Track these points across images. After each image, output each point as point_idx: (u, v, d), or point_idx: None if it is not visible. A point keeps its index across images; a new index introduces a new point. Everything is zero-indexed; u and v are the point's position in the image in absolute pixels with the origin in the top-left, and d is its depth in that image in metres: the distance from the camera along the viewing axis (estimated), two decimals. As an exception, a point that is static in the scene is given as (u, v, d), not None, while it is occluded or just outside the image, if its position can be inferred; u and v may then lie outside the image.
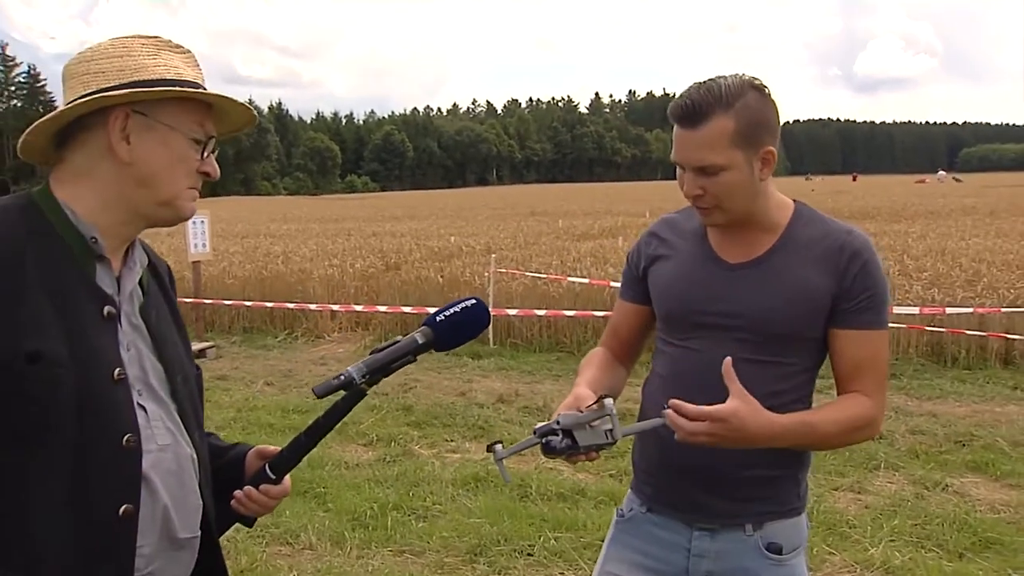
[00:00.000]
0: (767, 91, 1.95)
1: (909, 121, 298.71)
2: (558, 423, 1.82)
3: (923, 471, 5.77)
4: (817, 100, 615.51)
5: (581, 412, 1.84)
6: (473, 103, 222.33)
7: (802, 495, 2.11)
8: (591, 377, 2.11)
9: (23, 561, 1.38)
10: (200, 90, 1.55)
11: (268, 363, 10.01)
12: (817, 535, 4.66)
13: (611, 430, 1.82)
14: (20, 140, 1.58)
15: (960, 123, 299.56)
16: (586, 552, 4.51)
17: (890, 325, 7.31)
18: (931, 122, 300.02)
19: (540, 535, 4.74)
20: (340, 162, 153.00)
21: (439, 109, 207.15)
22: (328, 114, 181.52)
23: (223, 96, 1.57)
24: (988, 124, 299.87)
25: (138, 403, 1.50)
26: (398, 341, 1.71)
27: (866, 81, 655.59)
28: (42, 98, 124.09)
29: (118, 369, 1.47)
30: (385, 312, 10.45)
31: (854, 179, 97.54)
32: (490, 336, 10.30)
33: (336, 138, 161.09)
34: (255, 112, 1.67)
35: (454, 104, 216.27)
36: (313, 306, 11.13)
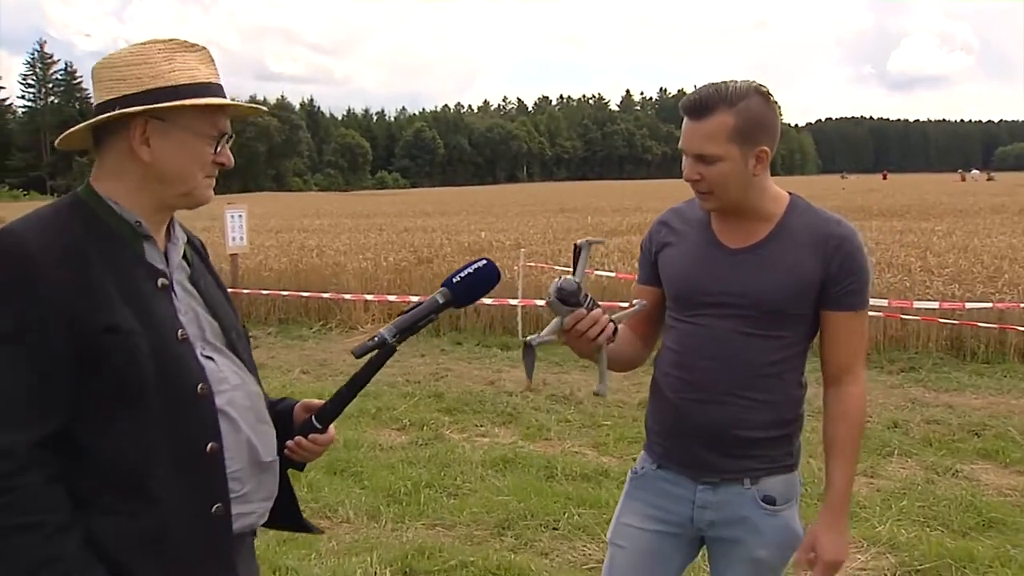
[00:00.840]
0: (771, 97, 2.22)
1: (944, 119, 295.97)
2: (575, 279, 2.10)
3: (935, 458, 5.98)
4: (850, 98, 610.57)
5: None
6: (504, 100, 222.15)
7: (795, 454, 2.38)
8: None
9: (143, 499, 1.68)
10: (207, 99, 1.75)
11: (304, 353, 10.33)
12: (828, 514, 4.90)
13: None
14: (57, 141, 1.86)
15: (996, 121, 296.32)
16: (608, 527, 4.77)
17: (909, 317, 7.48)
18: (966, 120, 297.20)
19: (565, 511, 5.01)
20: (371, 159, 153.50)
21: (470, 106, 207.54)
22: (359, 111, 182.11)
23: (228, 103, 1.80)
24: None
25: (203, 355, 1.78)
26: (421, 303, 1.96)
27: (900, 79, 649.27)
28: (78, 95, 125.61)
29: (180, 330, 1.75)
30: (418, 302, 10.73)
31: (884, 177, 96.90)
32: (519, 327, 10.60)
33: (367, 135, 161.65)
34: (259, 106, 1.92)
35: (485, 101, 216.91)
36: (348, 296, 11.44)
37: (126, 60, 1.75)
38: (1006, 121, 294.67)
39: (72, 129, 1.79)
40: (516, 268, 11.23)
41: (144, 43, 1.77)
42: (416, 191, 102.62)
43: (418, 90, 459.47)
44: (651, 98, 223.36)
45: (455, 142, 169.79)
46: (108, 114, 1.72)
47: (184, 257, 1.88)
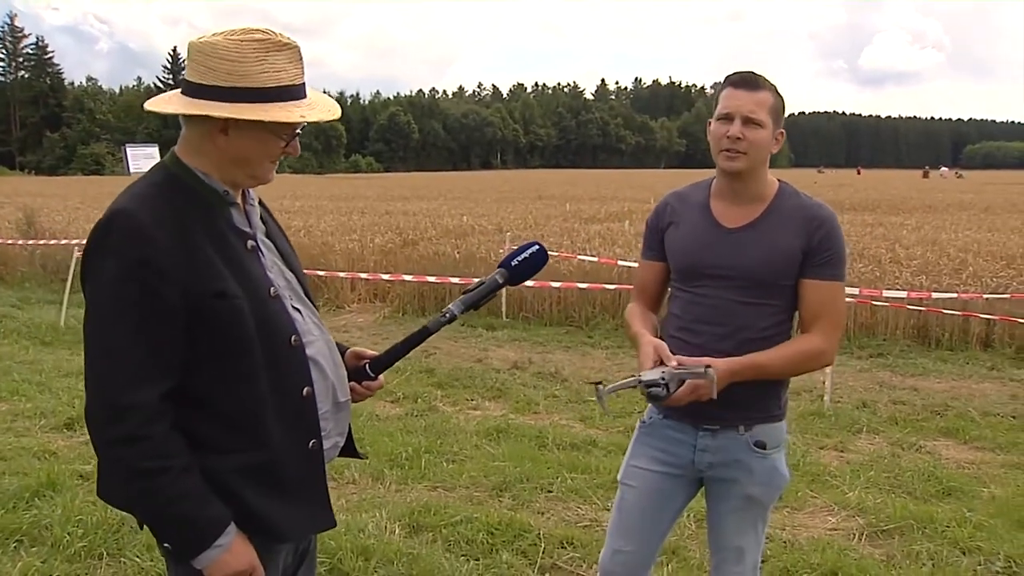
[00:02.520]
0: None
1: (914, 116, 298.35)
2: (663, 378, 2.44)
3: (900, 435, 6.40)
4: (821, 93, 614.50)
5: (682, 368, 2.47)
6: (479, 87, 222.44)
7: (783, 406, 2.75)
8: (642, 325, 2.76)
9: (255, 441, 1.96)
10: (285, 116, 1.89)
11: (293, 329, 10.58)
12: (802, 482, 5.30)
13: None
14: (149, 104, 1.97)
15: (965, 119, 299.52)
16: (599, 491, 5.13)
17: (878, 304, 7.88)
18: (936, 118, 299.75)
19: (558, 476, 5.37)
20: (345, 142, 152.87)
21: (445, 92, 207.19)
22: (334, 93, 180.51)
23: (297, 121, 1.92)
24: (993, 121, 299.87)
25: (293, 307, 2.05)
26: (483, 282, 2.26)
27: (871, 75, 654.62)
28: (49, 70, 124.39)
29: (272, 288, 2.00)
30: (405, 282, 11.04)
31: (858, 172, 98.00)
32: (503, 309, 10.95)
33: (341, 118, 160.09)
34: (339, 112, 2.05)
35: (460, 87, 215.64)
36: (343, 274, 11.72)
37: (220, 53, 1.87)
38: (975, 120, 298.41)
39: (165, 109, 1.93)
40: (501, 251, 11.56)
41: (242, 37, 1.88)
42: (391, 175, 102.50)
43: (393, 74, 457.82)
44: (626, 88, 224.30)
45: (429, 127, 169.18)
46: (197, 109, 1.88)
47: (259, 216, 2.12)
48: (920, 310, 9.35)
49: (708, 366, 2.46)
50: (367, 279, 11.54)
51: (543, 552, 4.36)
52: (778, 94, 2.60)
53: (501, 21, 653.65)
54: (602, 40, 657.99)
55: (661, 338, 2.79)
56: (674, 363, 2.49)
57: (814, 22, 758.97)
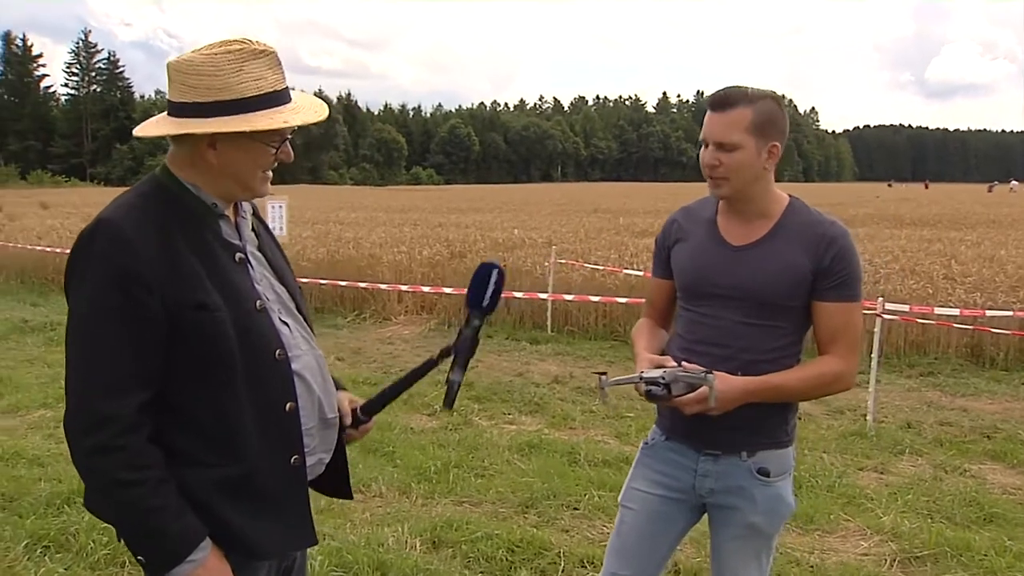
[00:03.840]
0: (783, 103, 2.54)
1: (984, 129, 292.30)
2: (663, 377, 2.40)
3: (945, 457, 6.21)
4: (888, 106, 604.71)
5: (682, 370, 2.43)
6: (540, 99, 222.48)
7: (790, 432, 2.65)
8: (647, 344, 2.71)
9: (233, 455, 1.93)
10: (269, 124, 1.88)
11: (338, 341, 10.64)
12: (836, 504, 5.16)
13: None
14: (137, 131, 2.01)
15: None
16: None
17: (927, 322, 7.68)
18: (1008, 130, 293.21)
19: (586, 493, 5.30)
20: (406, 154, 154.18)
21: (506, 104, 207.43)
22: (396, 106, 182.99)
23: (285, 127, 1.90)
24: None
25: (281, 320, 2.02)
26: (464, 335, 2.18)
27: (939, 87, 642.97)
28: (120, 84, 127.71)
29: (258, 301, 1.97)
30: (450, 295, 11.04)
31: (926, 187, 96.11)
32: (548, 323, 10.90)
33: (403, 130, 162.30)
34: (319, 117, 1.99)
35: (521, 100, 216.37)
36: (384, 286, 11.77)
37: (197, 68, 1.87)
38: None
39: (151, 133, 1.97)
40: (547, 264, 11.52)
41: (216, 50, 1.89)
42: (451, 188, 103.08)
43: (455, 87, 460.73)
44: (687, 100, 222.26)
45: (490, 140, 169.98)
46: (182, 128, 1.88)
47: (252, 229, 2.11)
48: (972, 328, 9.09)
49: (709, 372, 2.40)
50: (411, 291, 11.57)
51: (562, 571, 4.30)
52: (763, 106, 2.45)
53: (562, 35, 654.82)
54: (664, 53, 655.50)
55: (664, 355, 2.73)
56: (671, 363, 2.45)
57: (879, 34, 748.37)
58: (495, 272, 2.19)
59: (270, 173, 2.02)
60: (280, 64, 1.96)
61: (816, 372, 2.53)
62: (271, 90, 1.91)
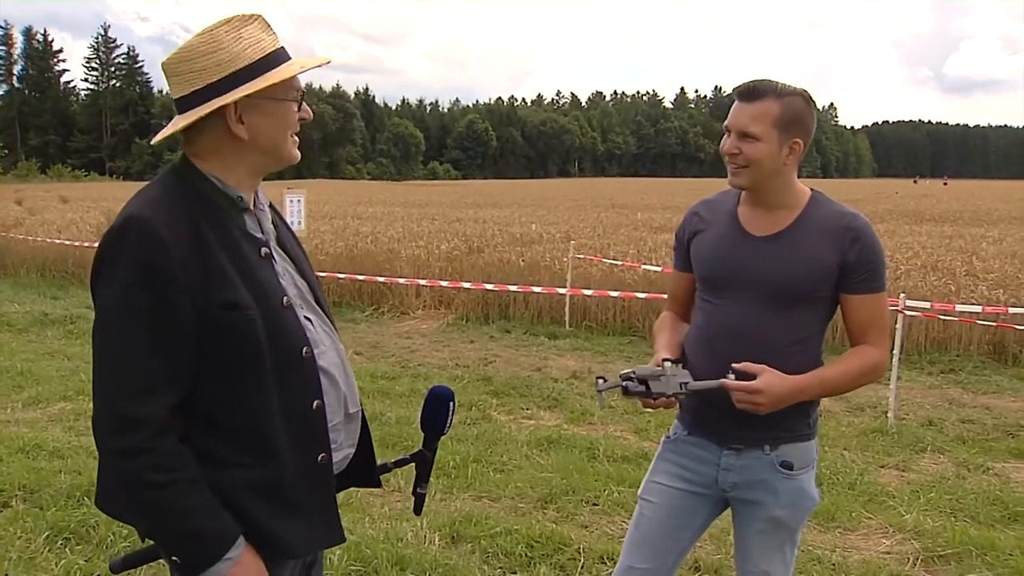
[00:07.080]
0: (812, 103, 2.51)
1: (1005, 125, 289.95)
2: (634, 372, 2.43)
3: (967, 455, 6.15)
4: (907, 102, 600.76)
5: (657, 367, 2.47)
6: (557, 95, 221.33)
7: (812, 424, 2.62)
8: (666, 341, 2.70)
9: (262, 456, 1.91)
10: (289, 70, 1.89)
11: (356, 335, 10.65)
12: (858, 502, 5.12)
13: (686, 383, 2.45)
14: (156, 139, 2.06)
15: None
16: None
17: (949, 319, 7.62)
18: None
19: (605, 489, 5.27)
20: (423, 149, 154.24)
21: (523, 99, 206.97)
22: (413, 101, 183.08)
23: (303, 69, 1.93)
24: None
25: (304, 316, 1.99)
26: (425, 456, 2.28)
27: (958, 82, 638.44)
28: (139, 79, 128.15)
29: (284, 297, 1.94)
30: (469, 290, 11.05)
31: (945, 183, 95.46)
32: (566, 318, 10.88)
33: (420, 125, 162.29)
34: (326, 59, 2.06)
35: (538, 95, 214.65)
36: (402, 280, 11.78)
37: (199, 51, 1.85)
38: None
39: (171, 129, 1.93)
40: (566, 260, 11.50)
41: (209, 30, 1.87)
42: (468, 182, 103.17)
43: (472, 83, 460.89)
44: (705, 96, 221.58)
45: (507, 135, 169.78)
46: (208, 107, 1.84)
47: (272, 222, 2.07)
48: (994, 325, 9.00)
49: (727, 374, 2.43)
50: (429, 286, 11.57)
51: (582, 567, 4.28)
52: (790, 102, 2.44)
53: (579, 30, 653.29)
54: (681, 49, 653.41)
55: (683, 352, 2.70)
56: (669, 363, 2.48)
57: (898, 29, 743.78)
58: (451, 404, 2.25)
59: (297, 139, 2.00)
60: (271, 27, 1.95)
61: (857, 363, 2.52)
62: (273, 50, 1.91)
